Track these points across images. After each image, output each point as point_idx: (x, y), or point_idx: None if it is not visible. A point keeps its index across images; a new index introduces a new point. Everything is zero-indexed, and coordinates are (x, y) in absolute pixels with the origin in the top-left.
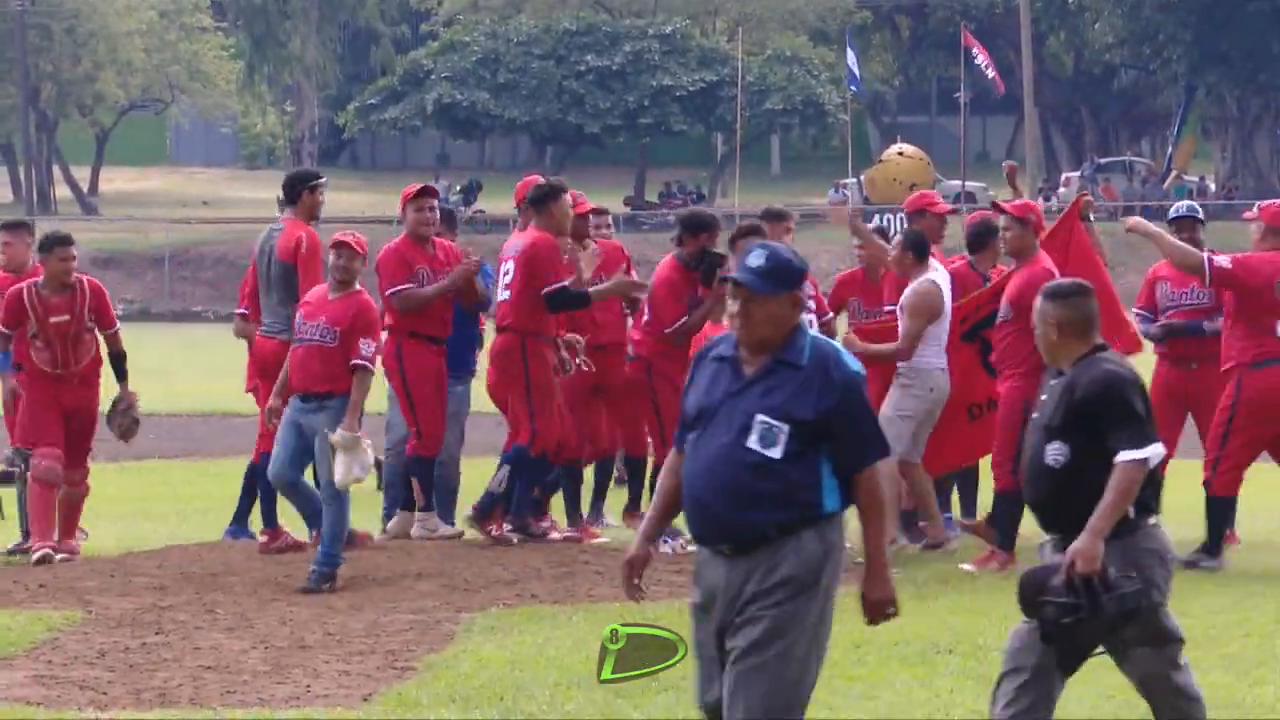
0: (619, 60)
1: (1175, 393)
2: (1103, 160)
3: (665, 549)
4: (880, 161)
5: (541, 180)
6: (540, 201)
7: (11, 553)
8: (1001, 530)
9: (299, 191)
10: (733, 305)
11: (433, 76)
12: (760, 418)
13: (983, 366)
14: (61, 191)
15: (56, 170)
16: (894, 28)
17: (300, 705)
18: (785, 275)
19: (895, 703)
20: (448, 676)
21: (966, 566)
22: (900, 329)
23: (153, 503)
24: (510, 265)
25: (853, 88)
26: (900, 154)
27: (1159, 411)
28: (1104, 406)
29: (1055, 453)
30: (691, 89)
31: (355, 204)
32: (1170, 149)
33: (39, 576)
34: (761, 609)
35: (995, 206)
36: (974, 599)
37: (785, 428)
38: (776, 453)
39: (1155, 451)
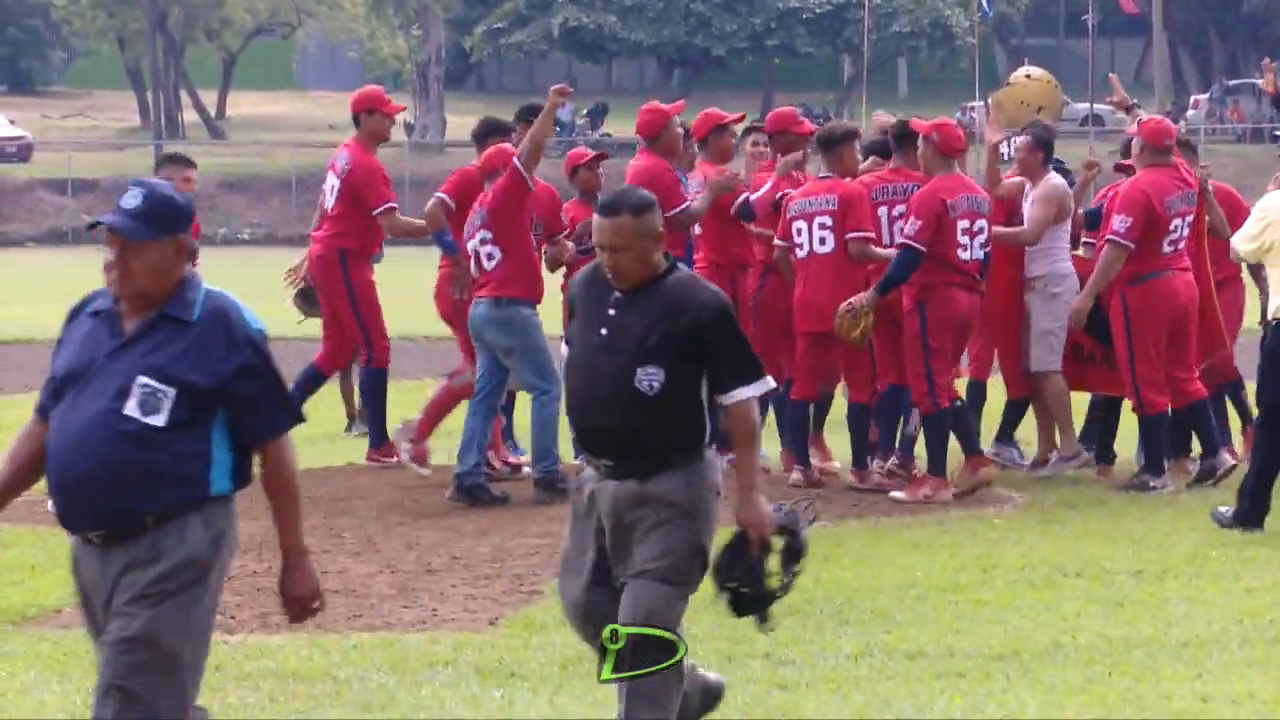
0: None
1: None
2: (1231, 82)
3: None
4: (1007, 84)
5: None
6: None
7: None
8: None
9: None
10: (108, 253)
11: (558, 0)
12: (142, 380)
13: None
14: (189, 116)
15: (184, 95)
16: None
17: (426, 629)
18: (166, 217)
19: (1022, 626)
20: None
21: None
22: (1030, 217)
23: None
24: None
25: (981, 12)
26: (1028, 77)
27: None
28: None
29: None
30: (818, 11)
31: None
32: None
33: None
34: (137, 608)
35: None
36: (1100, 523)
37: (171, 391)
38: (160, 420)
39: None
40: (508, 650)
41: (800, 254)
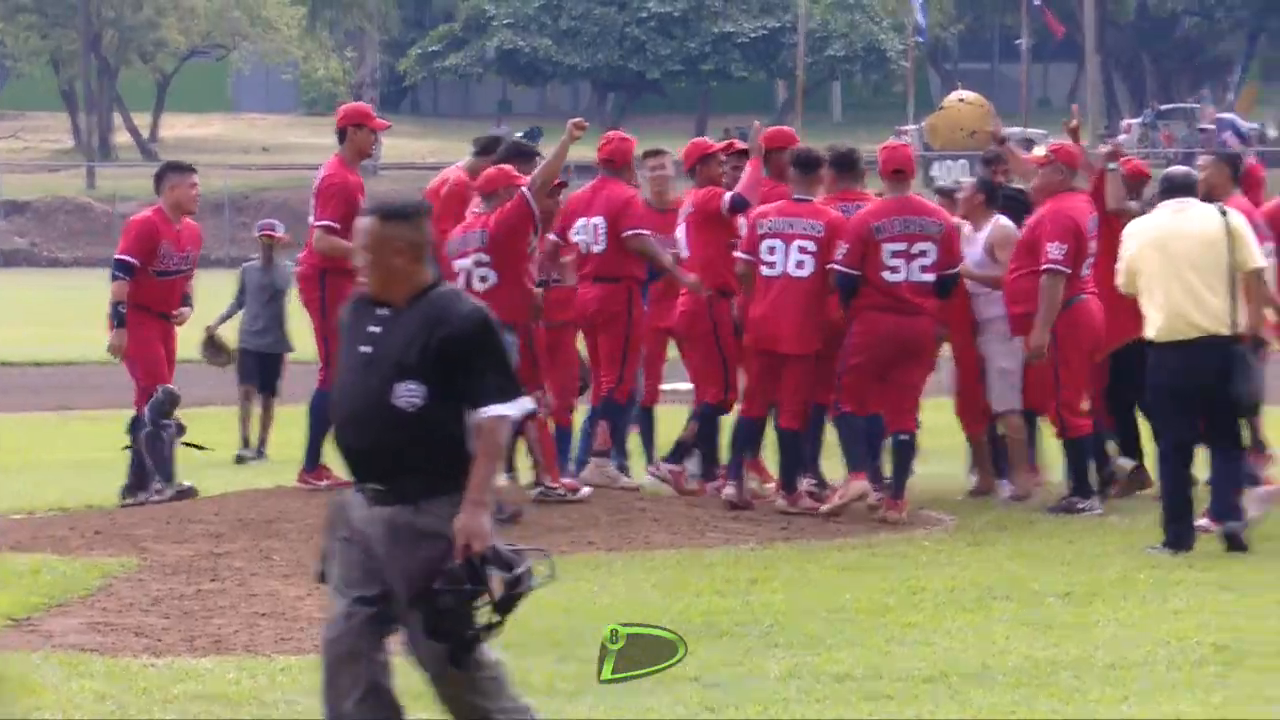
0: (681, 6)
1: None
2: (1164, 106)
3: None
4: (941, 108)
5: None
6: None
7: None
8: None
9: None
10: None
11: (494, 23)
12: None
13: None
14: (122, 138)
15: (117, 117)
16: None
17: None
18: None
19: (950, 648)
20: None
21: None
22: (999, 262)
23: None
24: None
25: (918, 33)
26: (961, 100)
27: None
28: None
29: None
30: (753, 35)
31: (417, 151)
32: (1232, 96)
33: (95, 523)
34: None
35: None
36: (1029, 545)
37: None
38: None
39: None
40: None
41: (770, 272)
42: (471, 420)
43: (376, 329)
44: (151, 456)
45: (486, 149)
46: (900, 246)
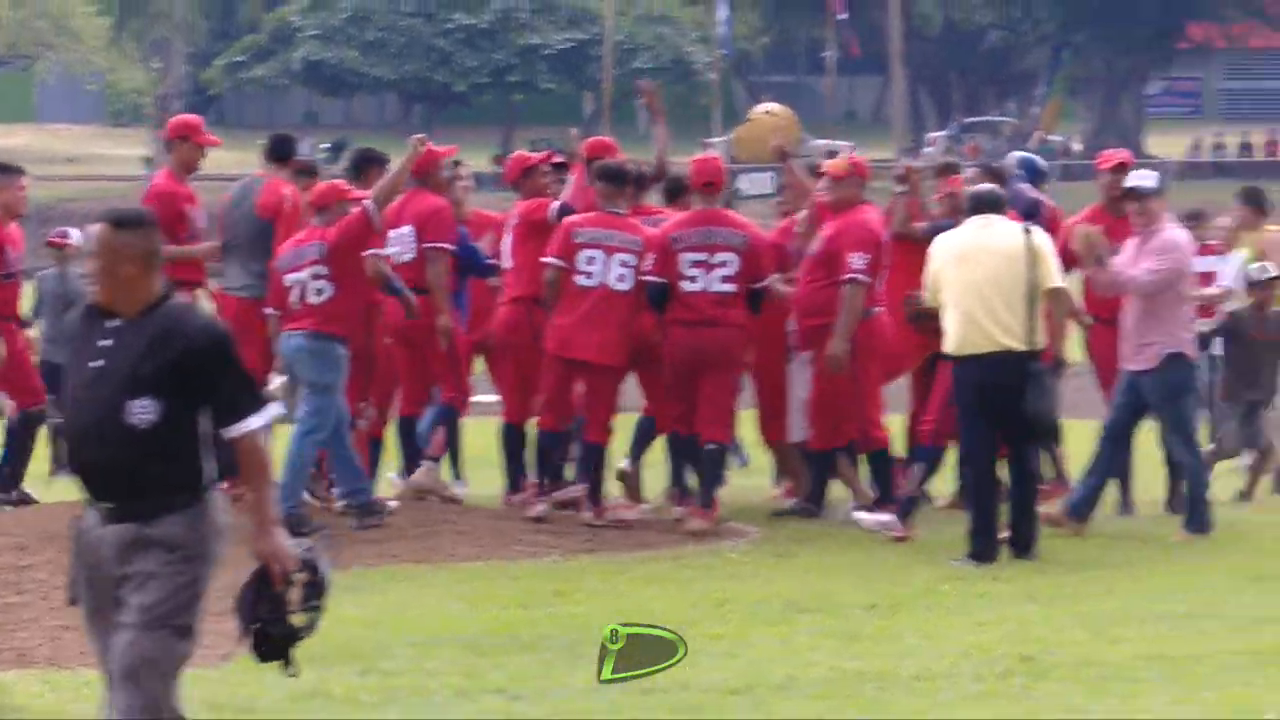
0: (487, 18)
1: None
2: (969, 120)
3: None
4: (748, 120)
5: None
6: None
7: None
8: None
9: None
10: None
11: (300, 34)
12: None
13: None
14: None
15: None
16: None
17: None
18: None
19: (756, 660)
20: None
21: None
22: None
23: None
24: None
25: (724, 51)
26: (768, 113)
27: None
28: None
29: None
30: (560, 48)
31: (222, 161)
32: (1037, 109)
33: None
34: None
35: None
36: (834, 557)
37: None
38: None
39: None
40: (240, 686)
41: (586, 282)
42: (225, 437)
43: (107, 342)
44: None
45: (281, 155)
46: (699, 256)
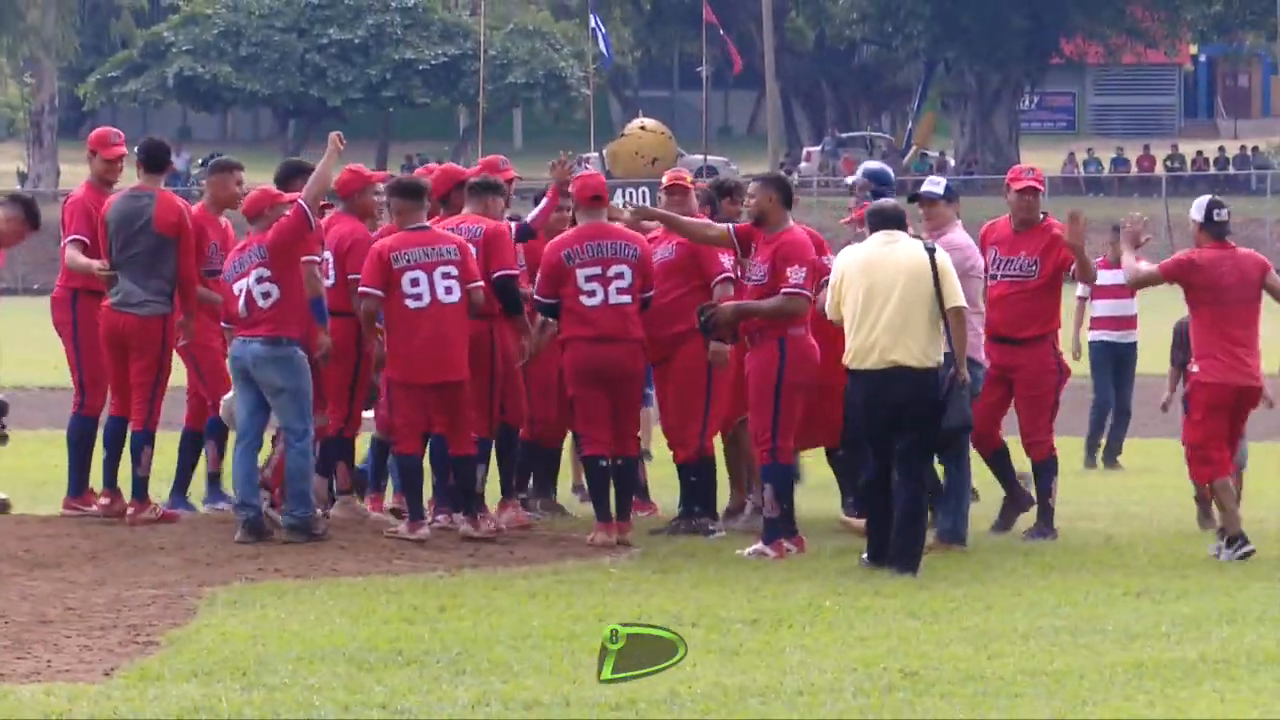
0: (361, 33)
1: None
2: (844, 135)
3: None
4: (622, 135)
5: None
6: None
7: None
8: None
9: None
10: None
11: (174, 49)
12: None
13: None
14: None
15: None
16: (635, 1)
17: (41, 680)
18: None
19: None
20: (190, 651)
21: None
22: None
23: None
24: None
25: (604, 61)
26: (642, 128)
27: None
28: None
29: None
30: (434, 62)
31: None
32: (911, 124)
33: None
34: None
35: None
36: (717, 572)
37: None
38: None
39: None
40: (123, 701)
41: (417, 304)
42: None
43: None
44: None
45: (156, 164)
46: (595, 270)
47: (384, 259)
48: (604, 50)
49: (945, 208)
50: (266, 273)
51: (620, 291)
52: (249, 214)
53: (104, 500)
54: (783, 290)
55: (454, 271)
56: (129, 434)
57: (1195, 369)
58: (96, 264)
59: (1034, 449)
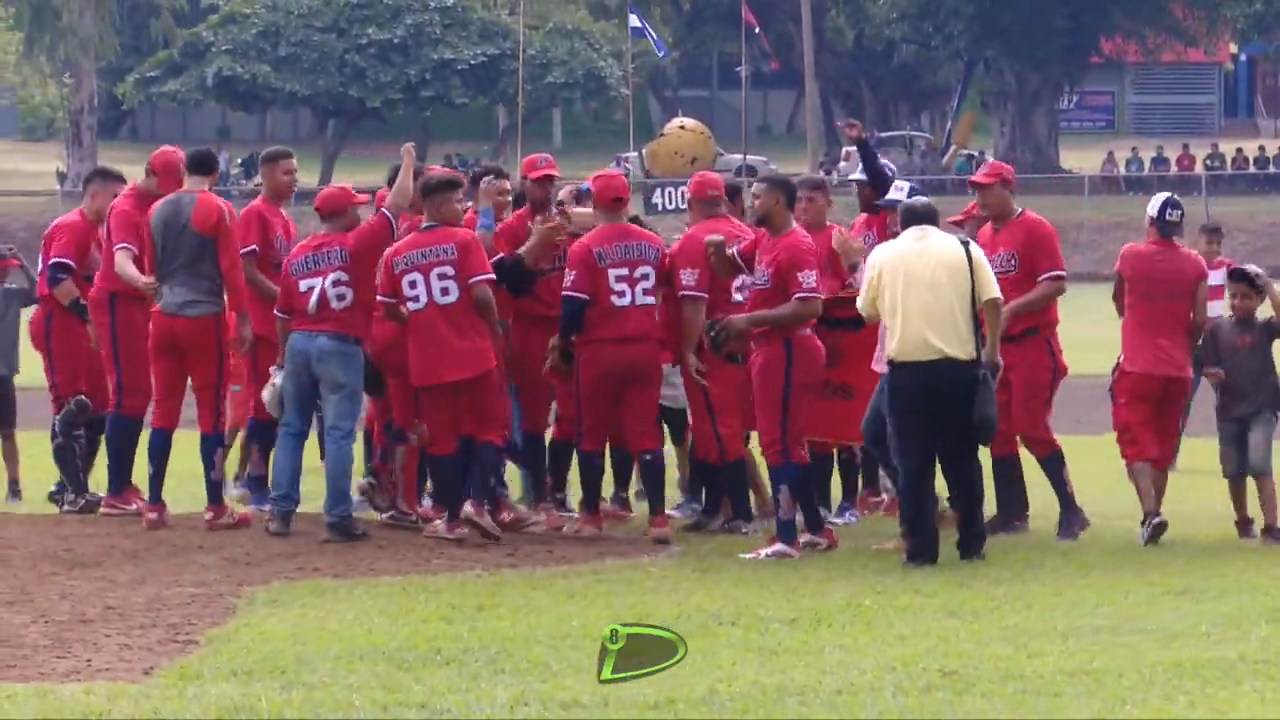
0: (400, 33)
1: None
2: (883, 134)
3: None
4: (661, 135)
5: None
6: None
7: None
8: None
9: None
10: None
11: (213, 49)
12: None
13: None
14: None
15: None
16: (674, 0)
17: (81, 679)
18: None
19: (677, 674)
20: (229, 650)
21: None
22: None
23: None
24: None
25: (659, 52)
26: (681, 128)
27: None
28: None
29: None
30: (473, 62)
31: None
32: (950, 123)
33: None
34: None
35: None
36: (755, 571)
37: None
38: None
39: None
40: (163, 700)
41: (416, 306)
42: None
43: None
44: (61, 468)
45: (201, 167)
46: (623, 271)
47: (388, 264)
48: (655, 44)
49: None
50: (344, 277)
51: (646, 292)
52: (323, 211)
53: (152, 516)
54: (795, 296)
55: (450, 271)
56: (200, 438)
57: (1121, 358)
58: (143, 280)
59: (1035, 447)
